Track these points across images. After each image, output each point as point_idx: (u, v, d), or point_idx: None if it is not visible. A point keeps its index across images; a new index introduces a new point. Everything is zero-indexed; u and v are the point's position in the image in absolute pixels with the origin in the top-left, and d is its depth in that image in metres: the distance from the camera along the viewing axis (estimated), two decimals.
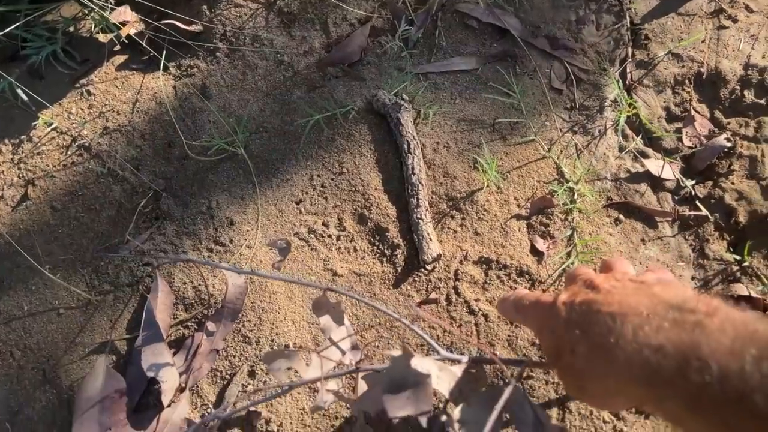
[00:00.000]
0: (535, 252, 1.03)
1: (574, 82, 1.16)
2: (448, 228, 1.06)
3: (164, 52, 1.26)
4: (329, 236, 1.08)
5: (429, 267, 1.03)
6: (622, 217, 1.07)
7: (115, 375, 1.00)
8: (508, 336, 0.97)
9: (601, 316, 0.52)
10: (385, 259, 1.05)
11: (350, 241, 1.07)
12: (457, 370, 0.65)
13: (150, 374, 0.98)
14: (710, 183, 1.08)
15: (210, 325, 1.02)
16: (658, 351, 0.46)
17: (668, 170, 1.08)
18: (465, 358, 0.69)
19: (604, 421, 0.92)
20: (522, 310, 0.67)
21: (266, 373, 0.99)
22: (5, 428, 1.01)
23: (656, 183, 1.09)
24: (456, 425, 0.64)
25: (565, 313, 0.56)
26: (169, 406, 0.98)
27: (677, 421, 0.46)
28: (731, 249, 1.04)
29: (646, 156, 1.10)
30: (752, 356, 0.41)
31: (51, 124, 1.23)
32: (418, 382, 0.62)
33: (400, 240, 1.05)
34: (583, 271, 0.64)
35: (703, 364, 0.42)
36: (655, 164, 1.08)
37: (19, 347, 1.06)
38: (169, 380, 0.99)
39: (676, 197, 1.08)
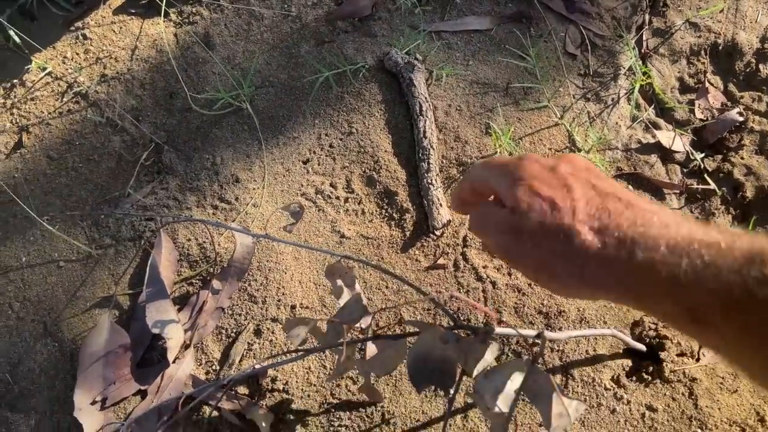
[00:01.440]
0: None
1: (589, 48, 1.14)
2: None
3: None
4: (337, 198, 1.06)
5: (438, 233, 1.02)
6: (630, 187, 1.07)
7: (119, 330, 0.99)
8: (515, 304, 0.98)
9: (635, 207, 0.49)
10: (393, 223, 1.04)
11: (358, 204, 1.06)
12: (490, 355, 0.65)
13: (155, 331, 0.98)
14: (719, 157, 1.08)
15: (216, 284, 1.01)
16: (711, 246, 0.44)
17: (678, 142, 1.07)
18: (495, 329, 0.68)
19: (605, 389, 0.94)
20: (489, 164, 0.58)
21: (272, 332, 0.99)
22: (6, 380, 1.00)
23: (666, 155, 1.09)
24: (476, 396, 0.65)
25: (580, 186, 0.51)
26: (174, 362, 0.98)
27: (700, 317, 0.44)
28: (736, 223, 1.05)
29: (657, 127, 1.10)
30: None
31: (45, 69, 1.18)
32: (446, 358, 0.63)
33: (409, 204, 1.04)
34: (577, 159, 0.56)
35: (765, 266, 0.41)
36: (666, 135, 1.08)
37: (18, 299, 1.04)
38: (174, 337, 0.99)
39: (685, 170, 1.08)
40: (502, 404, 0.66)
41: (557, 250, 0.50)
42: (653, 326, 0.96)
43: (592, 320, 0.97)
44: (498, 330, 0.77)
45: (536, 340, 0.81)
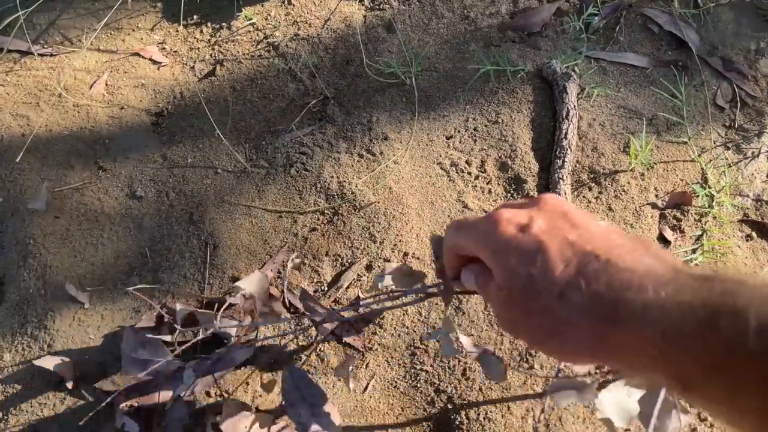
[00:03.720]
0: (662, 240, 1.07)
1: (739, 104, 1.19)
2: (584, 197, 1.11)
3: None
4: (469, 173, 1.15)
5: None
6: (754, 234, 1.09)
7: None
8: None
9: (612, 268, 0.44)
10: None
11: (487, 183, 1.14)
12: None
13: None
14: None
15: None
16: (683, 305, 0.40)
17: None
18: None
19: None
20: (472, 227, 0.54)
21: (382, 270, 1.07)
22: (144, 252, 1.14)
23: None
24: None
25: (555, 249, 0.48)
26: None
27: (687, 383, 0.40)
28: None
29: None
30: None
31: (250, 20, 1.38)
32: None
33: (535, 193, 1.11)
34: (552, 199, 0.53)
35: (738, 316, 0.37)
36: None
37: (175, 190, 1.19)
38: None
39: None
40: (621, 419, 0.70)
41: (543, 324, 0.47)
42: None
43: None
44: None
45: None
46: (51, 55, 1.37)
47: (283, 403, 0.88)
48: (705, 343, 0.38)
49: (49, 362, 1.03)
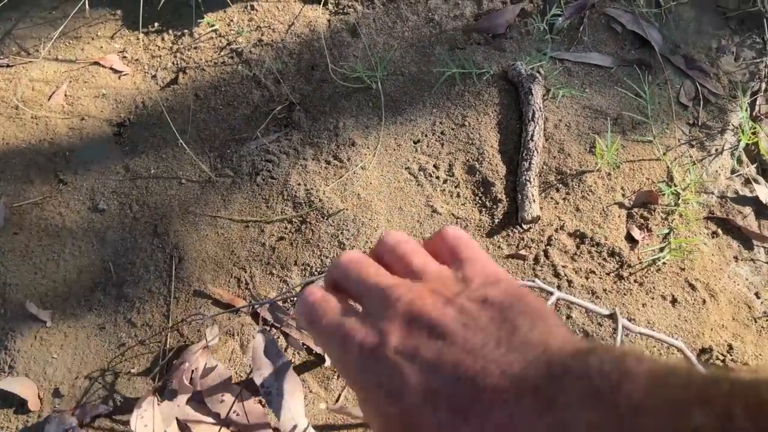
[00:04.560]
0: (630, 239, 1.07)
1: (702, 102, 1.20)
2: (551, 198, 1.11)
3: None
4: (437, 178, 1.15)
5: (525, 226, 1.08)
6: (720, 231, 1.09)
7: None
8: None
9: (481, 393, 0.32)
10: (485, 209, 1.11)
11: (455, 187, 1.13)
12: None
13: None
14: None
15: None
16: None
17: None
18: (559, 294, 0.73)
19: None
20: (319, 331, 0.38)
21: None
22: (108, 268, 1.11)
23: (762, 210, 1.11)
24: None
25: (416, 378, 0.33)
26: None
27: None
28: None
29: (757, 183, 1.13)
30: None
31: (213, 26, 1.35)
32: None
33: (503, 196, 1.11)
34: (403, 259, 0.38)
35: None
36: (765, 192, 1.11)
37: (138, 203, 1.17)
38: None
39: None
40: None
41: None
42: (721, 357, 0.96)
43: (662, 332, 0.98)
44: (565, 296, 0.81)
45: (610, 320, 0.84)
46: (7, 66, 1.33)
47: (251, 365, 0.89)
48: None
49: (11, 384, 1.00)
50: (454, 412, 0.32)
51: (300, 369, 1.00)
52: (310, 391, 0.98)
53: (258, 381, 0.83)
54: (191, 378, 0.96)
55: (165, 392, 0.96)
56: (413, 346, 0.33)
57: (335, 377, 0.99)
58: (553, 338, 0.33)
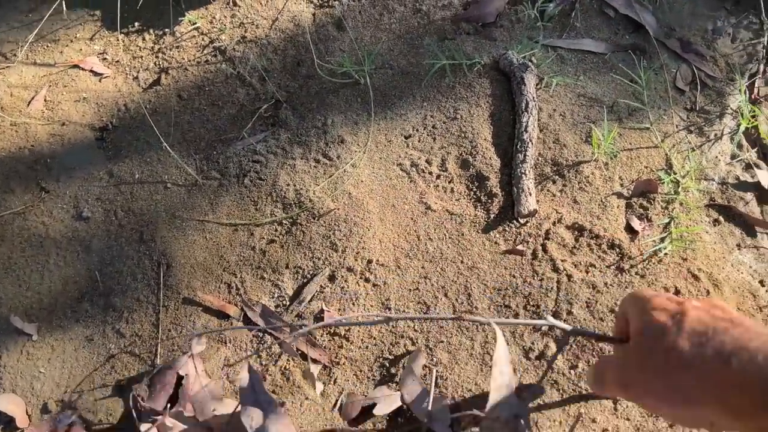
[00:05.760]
0: (629, 230, 1.04)
1: (699, 86, 1.17)
2: (548, 191, 1.08)
3: None
4: (430, 173, 1.11)
5: (522, 220, 1.05)
6: (722, 219, 1.07)
7: None
8: (588, 299, 0.98)
9: (737, 328, 0.52)
10: (479, 204, 1.08)
11: (449, 182, 1.10)
12: None
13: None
14: None
15: None
16: None
17: None
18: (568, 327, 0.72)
19: None
20: (637, 301, 0.64)
21: (345, 280, 1.03)
22: (95, 277, 1.08)
23: (764, 195, 1.08)
24: None
25: (695, 314, 0.56)
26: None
27: None
28: None
29: (758, 168, 1.10)
30: None
31: (194, 24, 1.32)
32: None
33: (499, 190, 1.08)
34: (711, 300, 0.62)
35: None
36: (766, 177, 1.08)
37: (123, 209, 1.13)
38: None
39: None
40: None
41: (659, 368, 0.55)
42: None
43: None
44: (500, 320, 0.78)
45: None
46: None
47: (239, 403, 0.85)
48: None
49: None
50: None
51: (295, 375, 0.97)
52: (307, 398, 0.95)
53: (246, 422, 0.80)
54: (180, 390, 0.94)
55: (154, 404, 0.93)
56: None
57: (331, 382, 0.96)
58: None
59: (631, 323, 0.61)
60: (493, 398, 0.66)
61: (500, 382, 0.66)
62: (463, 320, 0.72)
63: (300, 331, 0.89)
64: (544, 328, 0.97)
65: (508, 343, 0.96)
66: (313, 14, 1.31)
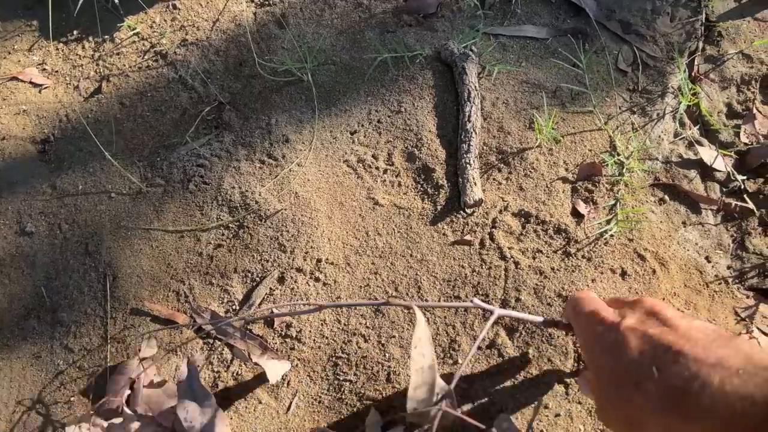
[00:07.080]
0: (575, 214, 1.04)
1: (640, 67, 1.18)
2: (494, 179, 1.08)
3: None
4: (377, 168, 1.11)
5: (468, 210, 1.05)
6: (667, 197, 1.07)
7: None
8: (536, 285, 0.98)
9: (683, 359, 0.51)
10: (426, 197, 1.07)
11: (396, 176, 1.10)
12: None
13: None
14: (761, 180, 1.08)
15: None
16: (746, 399, 0.45)
17: (720, 161, 1.08)
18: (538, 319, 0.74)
19: None
20: (575, 317, 0.68)
21: (294, 281, 1.02)
22: (41, 293, 1.06)
23: (706, 172, 1.09)
24: None
25: (635, 342, 0.56)
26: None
27: None
28: None
29: (700, 145, 1.11)
30: None
31: (134, 29, 1.29)
32: None
33: (445, 182, 1.07)
34: (649, 301, 0.63)
35: None
36: (708, 153, 1.08)
37: (68, 222, 1.11)
38: None
39: (725, 189, 1.08)
40: None
41: (627, 414, 0.55)
42: None
43: None
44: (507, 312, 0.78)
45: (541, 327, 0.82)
46: None
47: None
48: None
49: None
50: None
51: (247, 381, 0.96)
52: (260, 402, 0.95)
53: (182, 416, 0.79)
54: (132, 393, 0.92)
55: (102, 412, 0.92)
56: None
57: (285, 386, 0.95)
58: None
59: (577, 340, 0.63)
60: (414, 381, 0.66)
61: (421, 364, 0.65)
62: (390, 305, 0.72)
63: (232, 319, 0.88)
64: (494, 316, 0.97)
65: (458, 334, 0.96)
66: (254, 13, 1.29)
